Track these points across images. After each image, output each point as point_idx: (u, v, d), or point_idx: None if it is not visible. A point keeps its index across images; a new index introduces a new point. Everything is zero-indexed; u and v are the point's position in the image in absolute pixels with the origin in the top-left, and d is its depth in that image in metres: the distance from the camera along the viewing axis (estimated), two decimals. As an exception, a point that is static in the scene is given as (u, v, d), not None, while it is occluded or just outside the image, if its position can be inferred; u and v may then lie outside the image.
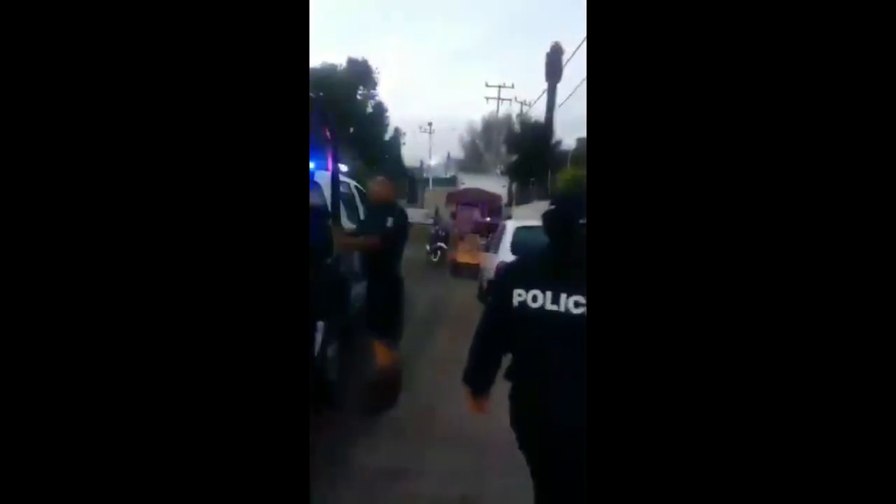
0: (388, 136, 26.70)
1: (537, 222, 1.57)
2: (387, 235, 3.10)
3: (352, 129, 21.21)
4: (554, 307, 1.33)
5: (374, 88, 25.10)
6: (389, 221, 3.12)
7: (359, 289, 3.59)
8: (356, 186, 5.29)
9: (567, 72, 18.27)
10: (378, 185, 3.39)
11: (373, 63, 24.35)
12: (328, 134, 3.45)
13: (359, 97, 24.28)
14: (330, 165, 3.40)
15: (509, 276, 1.47)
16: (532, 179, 17.59)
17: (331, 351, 3.12)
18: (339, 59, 24.23)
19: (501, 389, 1.47)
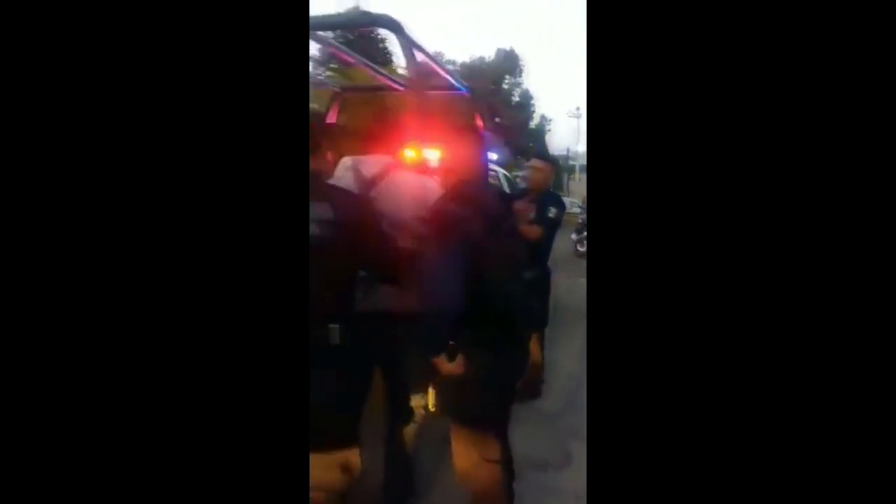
0: (533, 124, 26.44)
1: None
2: (549, 225, 2.91)
3: (497, 119, 21.33)
4: None
5: (521, 76, 24.95)
6: (552, 212, 2.91)
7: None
8: (504, 175, 5.31)
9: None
10: (536, 171, 3.09)
11: (520, 52, 24.24)
12: (480, 124, 3.51)
13: (505, 86, 24.33)
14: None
15: None
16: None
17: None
18: (489, 52, 24.47)
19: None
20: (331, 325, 1.32)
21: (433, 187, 1.84)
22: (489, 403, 1.58)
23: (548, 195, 3.08)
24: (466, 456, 1.58)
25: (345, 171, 1.78)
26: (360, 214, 1.42)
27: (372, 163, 1.78)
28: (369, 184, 1.71)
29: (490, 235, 1.50)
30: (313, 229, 1.29)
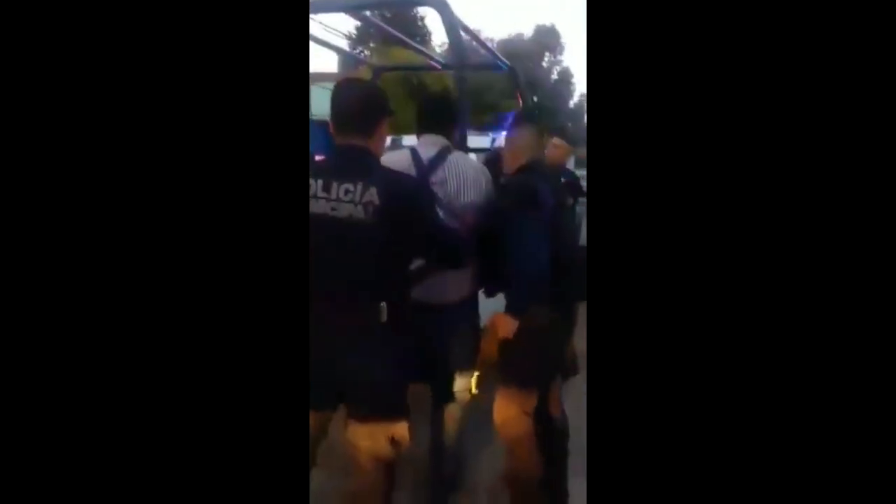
0: (573, 103, 25.89)
1: None
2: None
3: (535, 98, 20.97)
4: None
5: (561, 54, 24.40)
6: (562, 182, 3.01)
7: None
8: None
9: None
10: (554, 147, 3.29)
11: (561, 28, 23.68)
12: (520, 101, 3.48)
13: (544, 64, 23.84)
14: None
15: None
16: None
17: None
18: (527, 29, 24.00)
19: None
20: (381, 304, 1.36)
21: (485, 170, 1.90)
22: (532, 361, 1.78)
23: (565, 170, 3.51)
24: (506, 409, 1.79)
25: (399, 154, 1.79)
26: (412, 199, 1.42)
27: (428, 146, 1.78)
28: (428, 168, 1.72)
29: (554, 208, 1.74)
30: (359, 213, 1.32)
